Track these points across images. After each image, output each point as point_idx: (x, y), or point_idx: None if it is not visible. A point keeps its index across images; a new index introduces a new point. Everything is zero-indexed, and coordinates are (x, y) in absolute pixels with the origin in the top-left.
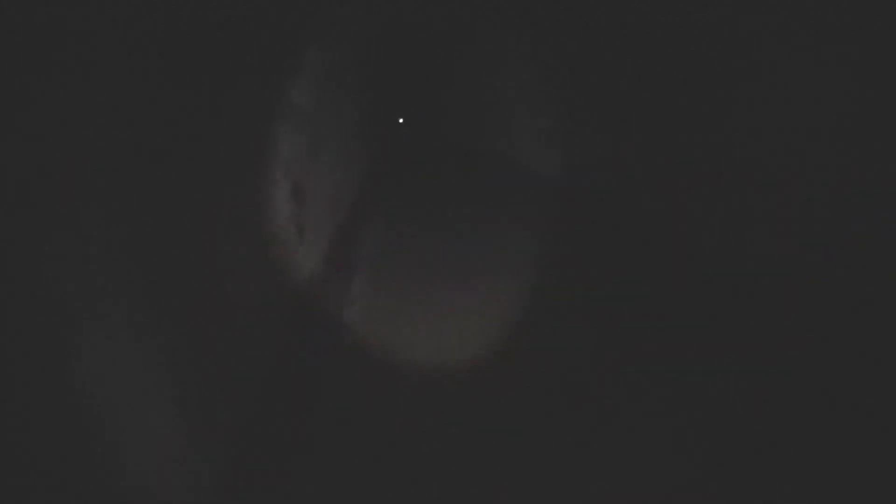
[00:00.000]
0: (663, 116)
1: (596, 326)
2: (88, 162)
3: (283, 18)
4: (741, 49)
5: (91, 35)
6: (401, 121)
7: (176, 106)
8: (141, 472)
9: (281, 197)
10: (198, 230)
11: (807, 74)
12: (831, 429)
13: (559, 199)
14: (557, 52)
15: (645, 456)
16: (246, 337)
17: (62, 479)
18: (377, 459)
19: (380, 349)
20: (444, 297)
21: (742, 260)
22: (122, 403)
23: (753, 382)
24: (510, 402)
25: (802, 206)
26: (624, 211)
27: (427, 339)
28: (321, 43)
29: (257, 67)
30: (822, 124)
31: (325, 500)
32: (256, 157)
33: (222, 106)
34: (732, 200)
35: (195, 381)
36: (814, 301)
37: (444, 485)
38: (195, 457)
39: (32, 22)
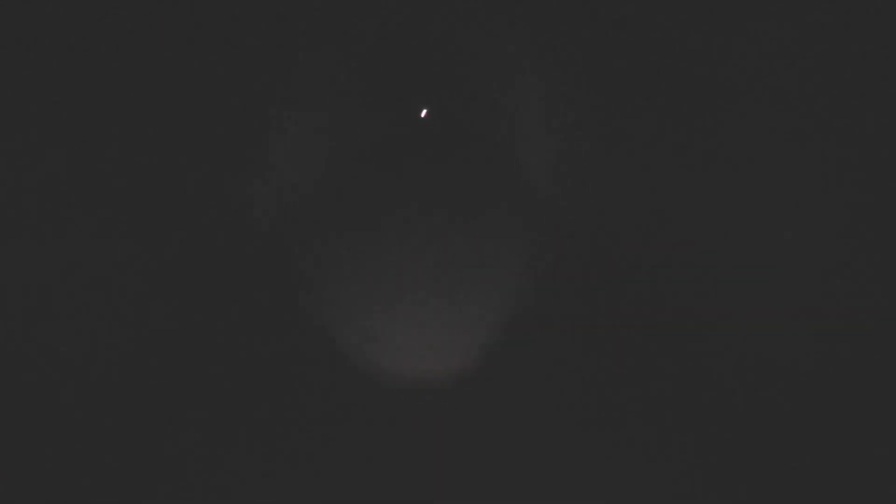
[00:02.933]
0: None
1: (586, 334)
2: (87, 161)
3: (291, 16)
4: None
5: (91, 36)
6: (424, 113)
7: (189, 104)
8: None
9: (279, 196)
10: (196, 228)
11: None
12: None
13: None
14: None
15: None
16: (236, 338)
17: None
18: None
19: (370, 353)
20: (431, 299)
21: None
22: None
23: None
24: (495, 412)
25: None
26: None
27: (415, 344)
28: (328, 39)
29: (263, 64)
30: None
31: None
32: (256, 155)
33: (224, 105)
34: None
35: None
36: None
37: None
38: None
39: (32, 21)
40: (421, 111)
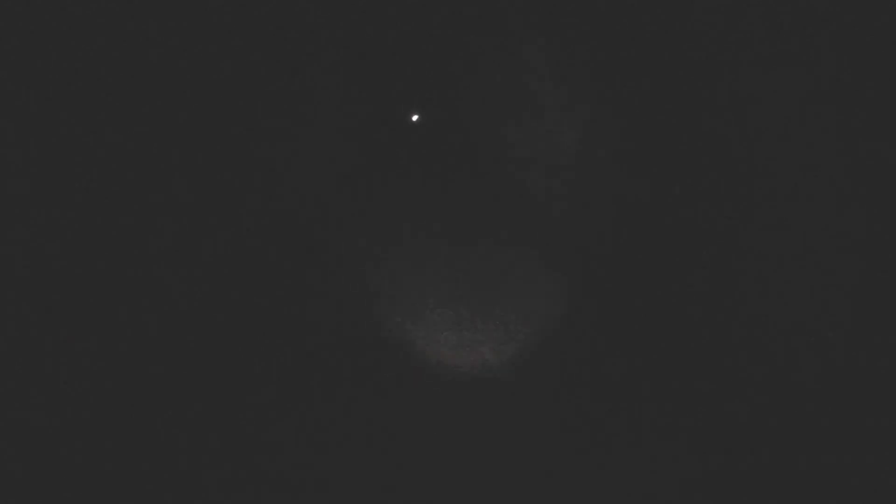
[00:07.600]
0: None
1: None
2: (89, 162)
3: (289, 18)
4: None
5: (98, 39)
6: (415, 118)
7: (195, 107)
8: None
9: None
10: (203, 231)
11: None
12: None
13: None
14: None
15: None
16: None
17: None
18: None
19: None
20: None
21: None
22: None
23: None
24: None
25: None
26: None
27: (435, 343)
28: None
29: (265, 66)
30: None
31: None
32: (261, 159)
33: (230, 108)
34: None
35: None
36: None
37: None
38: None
39: (33, 22)
40: (418, 115)
